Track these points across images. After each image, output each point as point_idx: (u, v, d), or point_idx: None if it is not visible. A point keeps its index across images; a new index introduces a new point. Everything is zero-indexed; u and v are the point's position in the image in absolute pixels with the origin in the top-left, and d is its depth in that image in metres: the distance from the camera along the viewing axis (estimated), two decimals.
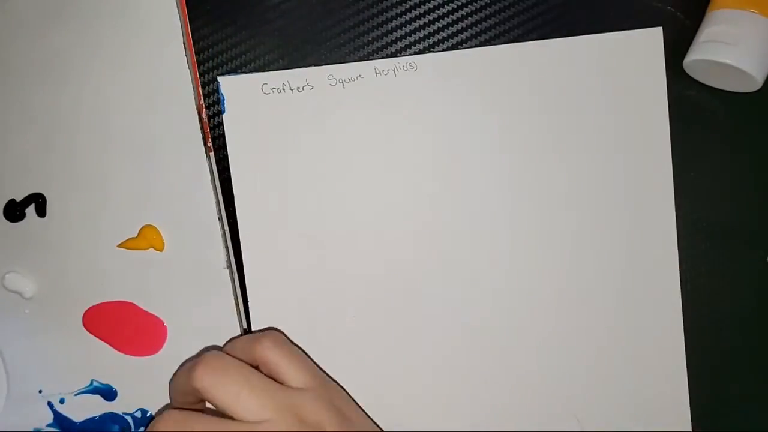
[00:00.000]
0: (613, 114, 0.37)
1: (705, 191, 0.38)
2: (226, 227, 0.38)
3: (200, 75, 0.37)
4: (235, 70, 0.38)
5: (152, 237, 0.37)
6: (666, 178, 0.37)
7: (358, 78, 0.37)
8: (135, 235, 0.37)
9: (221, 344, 0.37)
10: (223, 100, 0.36)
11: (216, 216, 0.37)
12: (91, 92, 0.37)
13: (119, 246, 0.37)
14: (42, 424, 0.39)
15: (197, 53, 0.37)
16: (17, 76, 0.37)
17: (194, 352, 0.38)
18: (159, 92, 0.37)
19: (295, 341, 0.37)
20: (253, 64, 0.38)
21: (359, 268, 0.37)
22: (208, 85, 0.38)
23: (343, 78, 0.37)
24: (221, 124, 0.37)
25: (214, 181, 0.37)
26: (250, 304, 0.37)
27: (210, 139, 0.37)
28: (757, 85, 0.34)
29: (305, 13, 0.38)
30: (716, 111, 0.38)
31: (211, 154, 0.37)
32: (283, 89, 0.36)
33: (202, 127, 0.37)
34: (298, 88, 0.37)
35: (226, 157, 0.37)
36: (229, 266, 0.37)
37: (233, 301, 0.37)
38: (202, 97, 0.37)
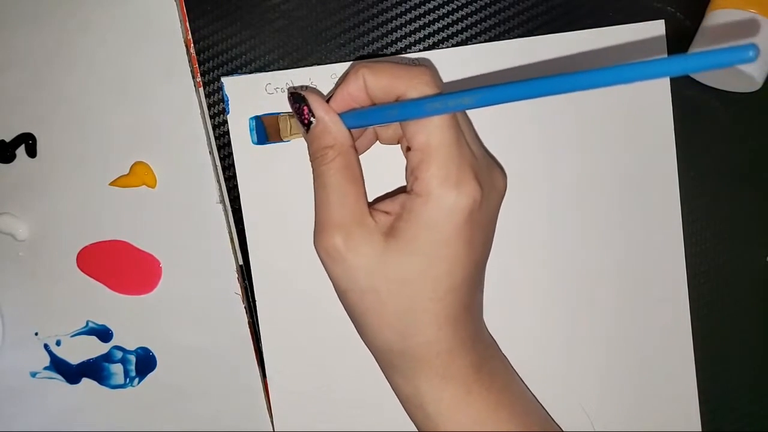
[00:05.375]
0: (617, 108, 0.37)
1: (705, 191, 0.38)
2: (218, 162, 0.38)
3: (201, 75, 0.38)
4: (236, 70, 0.38)
5: (144, 174, 0.37)
6: (671, 166, 0.37)
7: None
8: (127, 173, 0.37)
9: (216, 280, 0.37)
10: (227, 100, 0.37)
11: (207, 150, 0.37)
12: (79, 30, 0.37)
13: (111, 184, 0.37)
14: (39, 367, 0.39)
15: (197, 53, 0.37)
16: (4, 15, 0.37)
17: (189, 290, 0.38)
18: (147, 27, 0.37)
19: (300, 329, 0.38)
20: (253, 64, 0.38)
21: None
22: (211, 85, 0.38)
23: None
24: (225, 122, 0.37)
25: (204, 115, 0.37)
26: (256, 293, 0.37)
27: (199, 74, 0.37)
28: (757, 85, 0.34)
29: (306, 13, 0.38)
30: (716, 111, 0.38)
31: (201, 88, 0.37)
32: (287, 89, 0.36)
33: (190, 62, 0.37)
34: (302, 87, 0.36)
35: (230, 155, 0.37)
36: (222, 201, 0.37)
37: (227, 236, 0.37)
38: (189, 32, 0.37)
